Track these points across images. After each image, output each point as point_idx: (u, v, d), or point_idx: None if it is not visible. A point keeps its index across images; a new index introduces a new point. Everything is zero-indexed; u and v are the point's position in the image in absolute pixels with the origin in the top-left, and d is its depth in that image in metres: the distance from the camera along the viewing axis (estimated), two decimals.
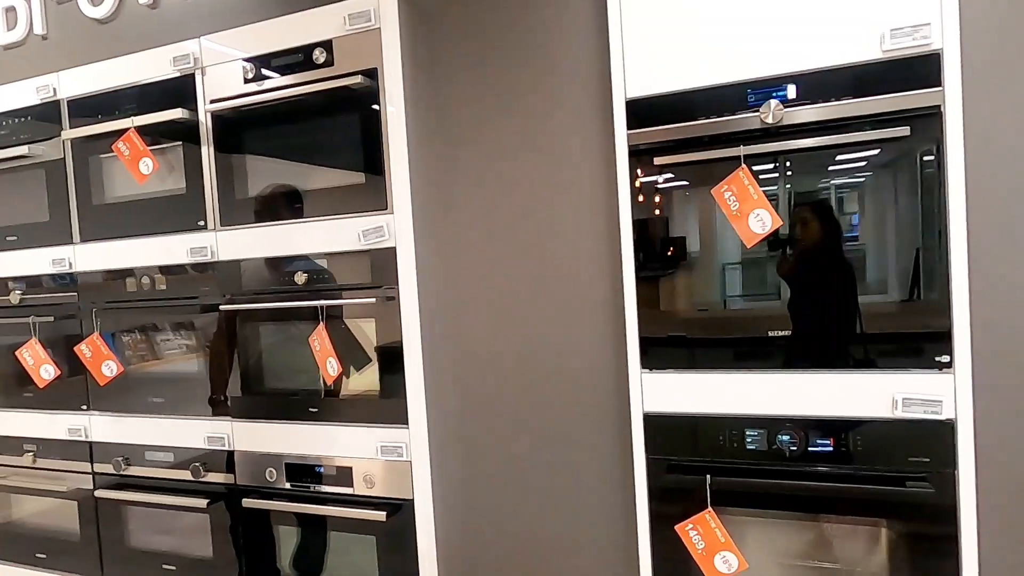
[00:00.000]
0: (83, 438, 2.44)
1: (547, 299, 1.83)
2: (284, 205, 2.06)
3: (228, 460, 2.19)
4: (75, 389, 2.45)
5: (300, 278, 2.03)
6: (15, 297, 2.53)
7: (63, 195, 2.41)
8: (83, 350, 2.34)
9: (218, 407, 2.20)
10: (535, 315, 1.85)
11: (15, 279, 2.54)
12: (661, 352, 1.67)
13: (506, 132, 1.85)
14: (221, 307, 2.13)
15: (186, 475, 2.24)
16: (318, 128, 2.00)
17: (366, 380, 1.98)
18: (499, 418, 1.92)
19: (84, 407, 2.44)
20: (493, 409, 1.92)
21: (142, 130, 2.20)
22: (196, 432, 2.24)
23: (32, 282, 2.51)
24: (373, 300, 1.91)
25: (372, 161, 1.92)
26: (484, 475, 1.96)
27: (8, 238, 2.54)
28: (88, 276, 2.39)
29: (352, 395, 2.01)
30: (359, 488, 2.00)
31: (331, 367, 1.96)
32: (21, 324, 2.51)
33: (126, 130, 2.21)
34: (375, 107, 1.91)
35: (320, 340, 1.97)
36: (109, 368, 2.33)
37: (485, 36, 1.86)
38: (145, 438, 2.33)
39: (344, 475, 2.02)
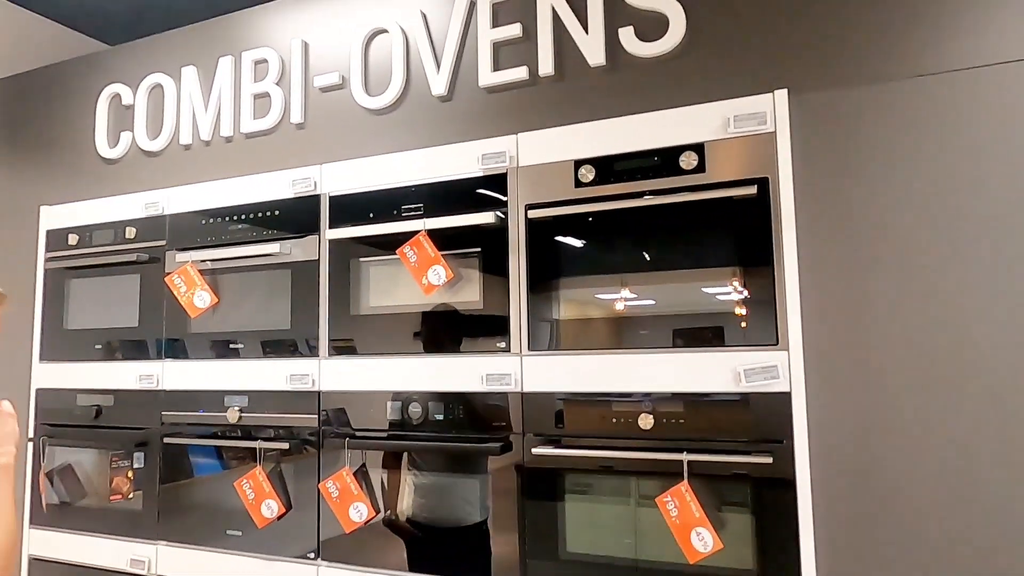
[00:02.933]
0: None
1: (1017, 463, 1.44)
2: (614, 330, 1.73)
3: None
4: (302, 532, 2.04)
5: (644, 421, 1.66)
6: (233, 415, 2.17)
7: (312, 301, 2.09)
8: (329, 488, 1.95)
9: (505, 572, 1.78)
10: (998, 484, 1.45)
11: (235, 393, 2.19)
12: None
13: (947, 254, 1.51)
14: (533, 450, 1.75)
15: None
16: (677, 244, 1.70)
17: (733, 554, 1.57)
18: None
19: (312, 555, 2.02)
20: None
21: (433, 234, 1.91)
22: None
23: (256, 399, 2.16)
24: (769, 460, 1.52)
25: (756, 286, 1.60)
26: None
27: (231, 345, 2.21)
28: (337, 396, 2.03)
29: (713, 572, 1.59)
30: None
31: (700, 541, 1.55)
32: (240, 448, 2.14)
33: (412, 234, 1.92)
34: (762, 223, 1.60)
35: (679, 504, 1.58)
36: (358, 512, 1.93)
37: (909, 129, 1.55)
38: None
39: None
